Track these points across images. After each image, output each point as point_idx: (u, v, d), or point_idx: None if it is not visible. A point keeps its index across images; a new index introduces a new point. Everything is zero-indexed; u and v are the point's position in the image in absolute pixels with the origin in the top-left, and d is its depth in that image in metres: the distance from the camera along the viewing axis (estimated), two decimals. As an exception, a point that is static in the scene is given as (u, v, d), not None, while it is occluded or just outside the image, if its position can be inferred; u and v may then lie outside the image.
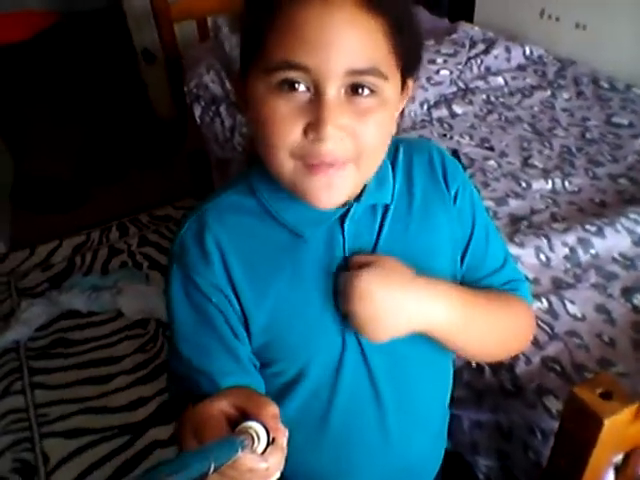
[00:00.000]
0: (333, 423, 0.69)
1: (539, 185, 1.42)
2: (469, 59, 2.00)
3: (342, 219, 0.64)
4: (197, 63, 2.06)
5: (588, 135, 1.64)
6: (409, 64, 0.61)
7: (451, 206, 0.70)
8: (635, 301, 1.07)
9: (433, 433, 0.80)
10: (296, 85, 0.55)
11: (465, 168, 1.49)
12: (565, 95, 1.86)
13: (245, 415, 0.47)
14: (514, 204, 1.35)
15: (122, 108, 3.28)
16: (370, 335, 0.62)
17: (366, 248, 0.66)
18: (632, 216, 1.23)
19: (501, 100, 1.86)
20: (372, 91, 0.56)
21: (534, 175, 1.46)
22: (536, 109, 1.81)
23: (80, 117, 3.29)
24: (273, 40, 0.55)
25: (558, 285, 1.12)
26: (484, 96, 1.87)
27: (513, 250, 1.14)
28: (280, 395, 0.67)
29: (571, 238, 1.19)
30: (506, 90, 1.92)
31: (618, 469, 0.79)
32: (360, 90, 0.56)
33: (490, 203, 1.34)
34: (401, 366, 0.70)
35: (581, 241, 1.19)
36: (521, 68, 2.04)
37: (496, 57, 2.03)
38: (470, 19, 2.41)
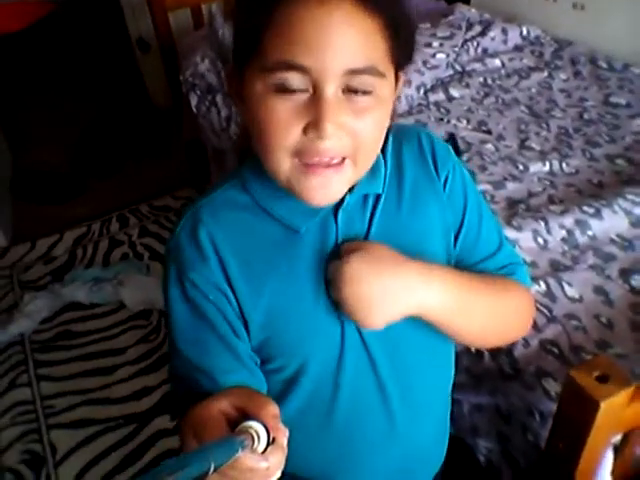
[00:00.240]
0: (338, 416, 0.69)
1: (536, 167, 1.42)
2: (466, 41, 1.99)
3: (335, 210, 0.64)
4: (192, 52, 2.05)
5: (586, 116, 1.64)
6: (403, 60, 0.62)
7: (441, 192, 0.70)
8: (633, 282, 1.07)
9: (437, 420, 0.80)
10: (295, 85, 0.55)
11: (462, 152, 1.48)
12: (562, 76, 1.85)
13: (245, 415, 0.47)
14: (512, 187, 1.35)
15: (119, 97, 3.27)
16: (362, 321, 0.62)
17: (358, 236, 0.66)
18: (629, 197, 1.23)
19: (498, 82, 1.85)
20: (369, 90, 0.56)
21: (531, 158, 1.46)
22: (533, 90, 1.80)
23: (77, 107, 3.27)
24: (270, 39, 0.55)
25: (556, 267, 1.12)
26: (481, 79, 1.86)
27: (511, 234, 1.15)
28: (283, 393, 0.67)
29: (568, 220, 1.19)
30: (503, 72, 1.91)
31: (617, 449, 0.79)
32: (358, 89, 0.56)
33: (488, 187, 1.34)
34: (402, 354, 0.70)
35: (578, 223, 1.19)
36: (518, 49, 2.03)
37: (493, 39, 2.01)
38: (467, 1, 2.38)
